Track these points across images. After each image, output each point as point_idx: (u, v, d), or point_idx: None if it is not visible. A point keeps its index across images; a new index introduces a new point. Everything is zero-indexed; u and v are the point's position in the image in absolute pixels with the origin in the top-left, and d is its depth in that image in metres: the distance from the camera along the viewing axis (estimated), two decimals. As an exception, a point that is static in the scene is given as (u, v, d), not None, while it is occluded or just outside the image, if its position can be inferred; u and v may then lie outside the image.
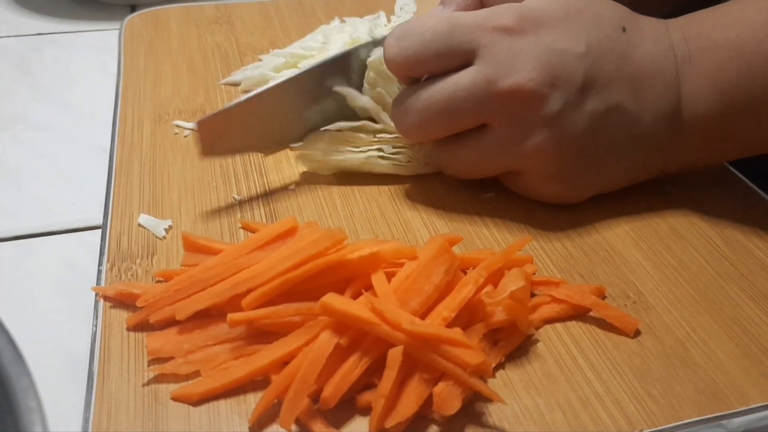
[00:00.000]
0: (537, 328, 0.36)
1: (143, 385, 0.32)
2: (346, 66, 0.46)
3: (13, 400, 0.22)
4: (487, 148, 0.41)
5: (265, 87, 0.44)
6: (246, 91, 0.55)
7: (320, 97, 0.45)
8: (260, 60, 0.59)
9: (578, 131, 0.40)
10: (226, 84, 0.56)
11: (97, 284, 0.38)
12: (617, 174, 0.43)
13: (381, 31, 0.57)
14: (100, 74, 0.61)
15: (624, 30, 0.41)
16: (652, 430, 0.31)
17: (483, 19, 0.40)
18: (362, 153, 0.45)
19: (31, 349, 0.25)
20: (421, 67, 0.40)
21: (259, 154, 0.48)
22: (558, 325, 0.36)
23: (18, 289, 0.39)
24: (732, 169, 0.47)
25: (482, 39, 0.39)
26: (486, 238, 0.41)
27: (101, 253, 0.39)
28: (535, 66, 0.38)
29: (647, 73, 0.40)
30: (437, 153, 0.44)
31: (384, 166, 0.46)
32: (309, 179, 0.46)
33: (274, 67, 0.56)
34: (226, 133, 0.43)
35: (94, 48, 0.65)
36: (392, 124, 0.43)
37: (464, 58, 0.40)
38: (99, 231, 0.42)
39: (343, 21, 0.63)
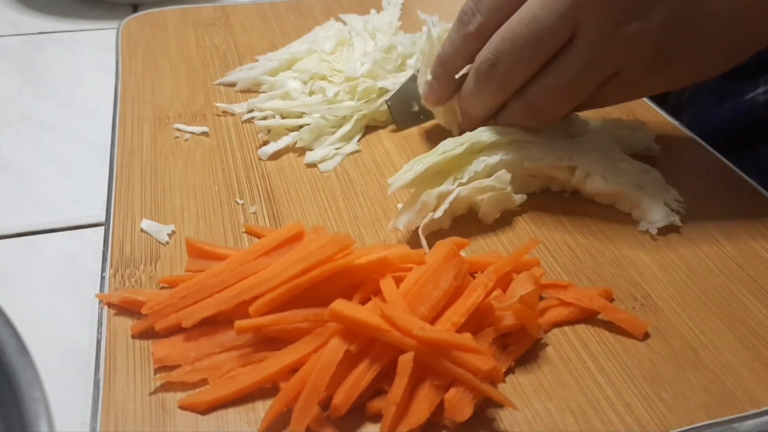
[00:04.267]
0: (546, 332, 0.35)
1: (150, 394, 0.32)
2: None
3: (18, 390, 0.22)
4: (582, 59, 0.39)
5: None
6: (243, 91, 0.55)
7: None
8: (256, 61, 0.59)
9: (672, 17, 0.39)
10: (221, 84, 0.56)
11: (100, 291, 0.37)
12: (723, 48, 0.41)
13: (375, 21, 0.58)
14: (102, 72, 0.60)
15: None
16: (665, 434, 0.31)
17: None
18: None
19: (34, 342, 0.25)
20: (504, 14, 0.40)
21: (261, 157, 0.48)
22: (567, 329, 0.36)
23: (21, 285, 0.40)
24: (738, 171, 0.47)
25: (576, 12, 0.38)
26: (492, 242, 0.41)
27: (104, 259, 0.39)
28: None
29: None
30: (521, 104, 0.42)
31: None
32: (311, 182, 0.46)
33: (267, 71, 0.55)
34: (410, 105, 0.50)
35: (97, 46, 0.65)
36: None
37: (568, 34, 0.39)
38: (101, 228, 0.42)
39: (338, 20, 0.63)
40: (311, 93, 0.53)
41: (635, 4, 0.38)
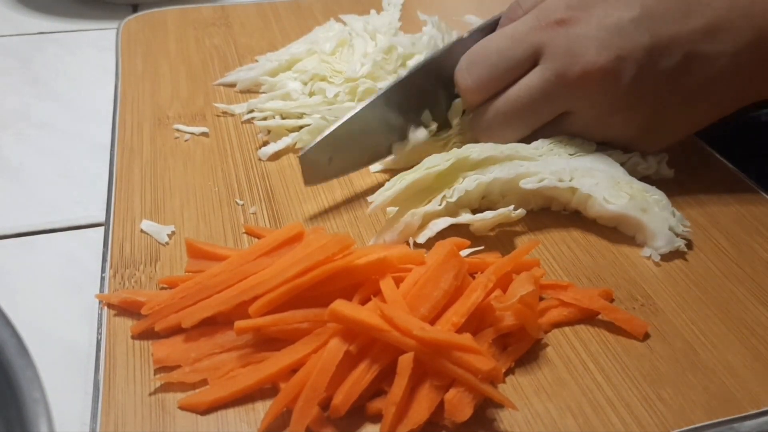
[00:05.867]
0: (546, 332, 0.35)
1: (150, 395, 0.32)
2: (431, 74, 0.46)
3: (18, 390, 0.22)
4: (574, 130, 0.43)
5: (353, 110, 0.44)
6: (243, 92, 0.55)
7: (409, 109, 0.46)
8: (256, 61, 0.59)
9: (658, 89, 0.41)
10: (221, 85, 0.56)
11: (100, 291, 0.37)
12: (705, 113, 0.44)
13: (375, 22, 0.57)
14: (101, 72, 0.60)
15: None
16: (665, 434, 0.31)
17: (536, 21, 0.42)
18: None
19: (34, 342, 0.25)
20: (495, 85, 0.43)
21: (261, 157, 0.48)
22: (567, 329, 0.36)
23: (21, 285, 0.40)
24: (737, 171, 0.47)
25: (541, 39, 0.41)
26: (492, 242, 0.41)
27: (104, 260, 0.39)
28: (596, 46, 0.40)
29: (721, 12, 0.40)
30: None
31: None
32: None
33: (267, 71, 0.55)
34: (326, 160, 0.44)
35: (96, 46, 0.65)
36: None
37: (531, 62, 0.42)
38: (101, 228, 0.42)
39: (338, 20, 0.63)
40: (311, 94, 0.53)
41: (624, 89, 0.41)
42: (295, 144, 0.49)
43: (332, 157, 0.44)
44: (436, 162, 0.41)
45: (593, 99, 0.41)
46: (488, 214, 0.40)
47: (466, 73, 0.44)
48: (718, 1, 0.41)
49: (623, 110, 0.42)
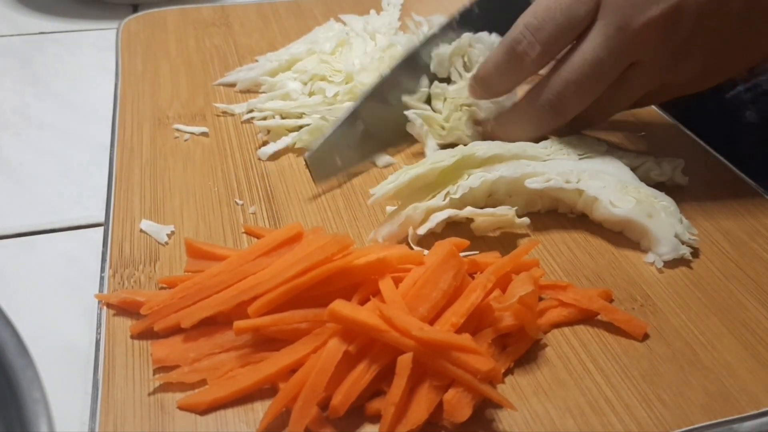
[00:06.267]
0: (545, 333, 0.35)
1: (149, 395, 0.32)
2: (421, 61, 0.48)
3: (18, 390, 0.22)
4: (641, 82, 0.42)
5: (351, 106, 0.46)
6: (243, 92, 0.55)
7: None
8: (256, 61, 0.59)
9: (722, 28, 0.40)
10: (221, 85, 0.56)
11: (99, 291, 0.37)
12: (760, 49, 0.43)
13: (375, 22, 0.58)
14: (102, 72, 0.60)
15: None
16: (664, 435, 0.31)
17: None
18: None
19: (34, 342, 0.25)
20: (560, 45, 0.42)
21: (260, 157, 0.48)
22: (566, 330, 0.36)
23: (21, 285, 0.40)
24: (737, 170, 0.47)
25: None
26: (492, 242, 0.41)
27: (103, 260, 0.39)
28: None
29: None
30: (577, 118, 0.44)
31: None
32: (311, 182, 0.45)
33: (267, 71, 0.55)
34: (332, 158, 0.45)
35: (96, 46, 0.65)
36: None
37: (590, 20, 0.41)
38: (101, 228, 0.42)
39: (338, 21, 0.63)
40: (311, 94, 0.53)
41: (685, 34, 0.40)
42: (295, 144, 0.49)
43: (339, 153, 0.46)
44: (441, 158, 0.41)
45: (658, 47, 0.41)
46: (488, 210, 0.40)
47: (533, 38, 0.42)
48: None
49: (688, 54, 0.41)
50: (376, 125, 0.47)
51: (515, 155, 0.42)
